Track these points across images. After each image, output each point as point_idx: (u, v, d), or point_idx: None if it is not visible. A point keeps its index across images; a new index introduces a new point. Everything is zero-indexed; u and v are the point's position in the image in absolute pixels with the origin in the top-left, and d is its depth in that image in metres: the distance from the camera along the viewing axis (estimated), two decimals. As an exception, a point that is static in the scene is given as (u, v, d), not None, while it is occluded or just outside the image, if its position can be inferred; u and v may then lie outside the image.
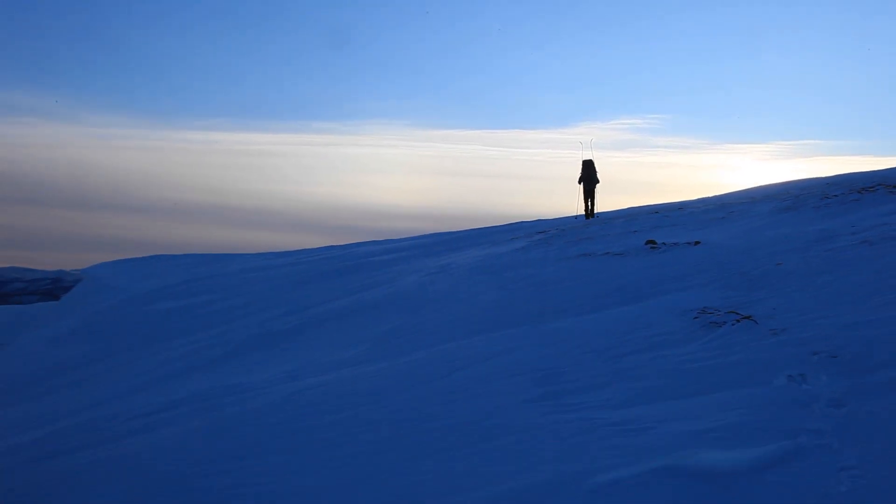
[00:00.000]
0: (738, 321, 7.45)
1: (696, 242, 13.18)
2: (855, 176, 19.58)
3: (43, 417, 10.78)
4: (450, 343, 9.16)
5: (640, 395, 5.79)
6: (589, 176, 21.98)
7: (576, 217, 23.26)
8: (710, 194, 24.94)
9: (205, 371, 11.58)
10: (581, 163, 22.00)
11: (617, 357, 6.96)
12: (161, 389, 10.74)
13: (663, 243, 13.64)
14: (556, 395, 6.13)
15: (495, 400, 6.28)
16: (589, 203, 22.37)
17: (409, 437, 5.70)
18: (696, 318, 7.88)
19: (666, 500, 3.94)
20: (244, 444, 6.41)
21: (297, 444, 6.07)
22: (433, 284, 14.36)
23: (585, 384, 6.31)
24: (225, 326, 15.39)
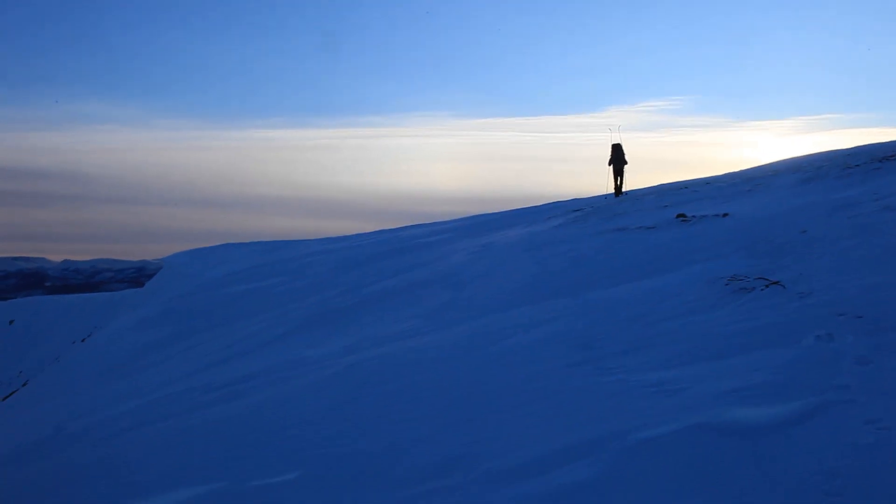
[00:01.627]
0: (766, 286, 7.34)
1: (724, 214, 13.00)
2: (875, 146, 19.02)
3: (136, 391, 11.08)
4: (495, 315, 9.17)
5: (674, 358, 5.75)
6: (618, 158, 21.90)
7: (605, 196, 23.12)
8: (735, 169, 24.47)
9: (273, 346, 11.72)
10: (611, 146, 21.91)
11: (652, 323, 6.92)
12: (236, 364, 10.94)
13: (693, 216, 13.48)
14: (595, 360, 6.12)
15: (540, 365, 6.29)
16: (618, 182, 22.34)
17: (464, 401, 5.75)
18: (726, 284, 7.78)
19: (700, 456, 3.91)
20: (313, 410, 6.53)
21: (362, 408, 6.17)
22: (477, 262, 14.36)
23: (623, 349, 6.29)
24: (290, 306, 15.54)
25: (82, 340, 24.06)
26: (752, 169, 23.28)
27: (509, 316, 8.80)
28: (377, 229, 32.17)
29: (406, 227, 30.27)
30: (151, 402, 9.57)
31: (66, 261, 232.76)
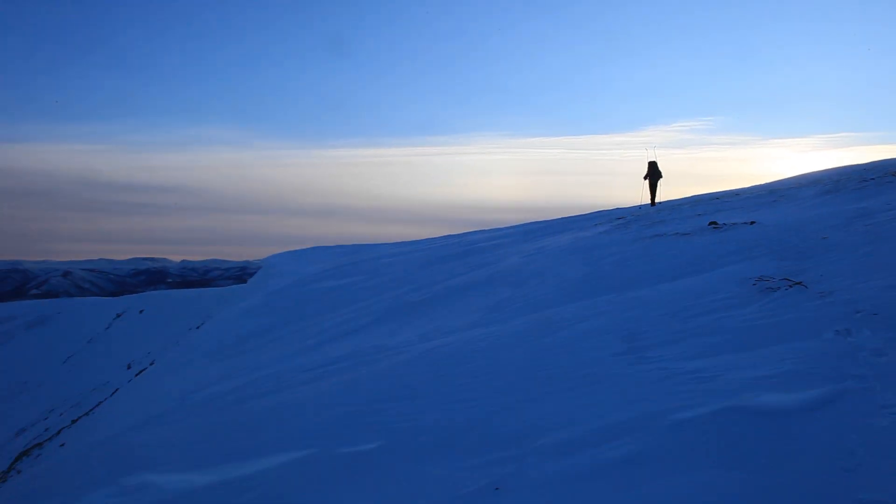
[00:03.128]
0: (790, 286, 7.20)
1: (752, 222, 12.72)
2: (889, 162, 18.42)
3: (240, 371, 11.32)
4: (549, 309, 9.16)
5: (708, 349, 5.70)
6: (653, 173, 22.09)
7: (639, 206, 23.04)
8: (761, 182, 23.88)
9: (358, 335, 11.83)
10: (647, 163, 22.08)
11: (688, 318, 6.84)
12: (326, 349, 11.08)
13: (724, 224, 13.22)
14: (638, 350, 6.09)
15: (589, 354, 6.29)
16: (652, 194, 22.43)
17: (522, 384, 5.78)
18: (754, 284, 7.64)
19: (732, 434, 3.90)
20: (392, 389, 6.61)
21: (436, 388, 6.23)
22: (533, 263, 14.32)
23: (663, 341, 6.25)
24: (371, 300, 15.65)
25: (197, 327, 24.58)
26: (776, 182, 22.69)
27: (562, 310, 8.78)
28: (444, 234, 32.27)
29: (469, 233, 30.27)
30: (256, 379, 9.78)
31: (184, 261, 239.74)
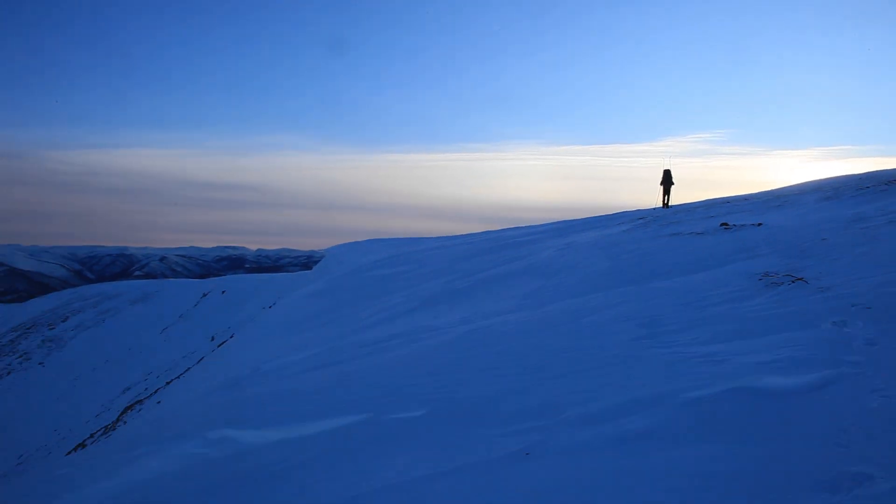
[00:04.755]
0: (793, 282, 7.02)
1: (759, 224, 12.42)
2: (883, 172, 17.80)
3: (308, 344, 11.45)
4: (575, 298, 9.09)
5: (719, 336, 5.60)
6: (667, 180, 22.42)
7: (654, 208, 23.14)
8: (767, 189, 23.28)
9: (407, 317, 11.85)
10: (662, 171, 22.54)
11: (701, 308, 6.73)
12: (378, 329, 11.12)
13: (734, 225, 12.94)
14: (655, 336, 6.01)
15: (611, 338, 6.23)
16: (666, 198, 22.68)
17: (551, 362, 5.75)
18: (760, 279, 7.47)
19: (738, 412, 3.85)
20: (437, 364, 6.63)
21: (472, 366, 6.22)
22: (562, 257, 14.20)
23: (677, 328, 6.15)
24: (419, 287, 15.68)
25: (270, 307, 24.95)
26: (781, 189, 22.07)
27: (587, 299, 8.71)
28: (483, 230, 32.17)
29: (506, 230, 30.07)
30: (319, 352, 9.89)
31: (259, 249, 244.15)
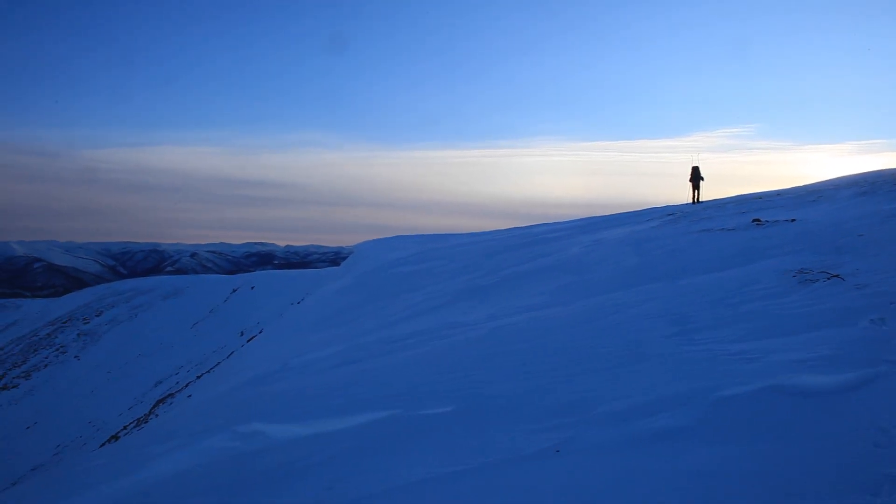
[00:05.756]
0: (828, 278, 6.84)
1: (793, 220, 12.13)
2: (924, 166, 17.22)
3: (336, 340, 11.52)
4: (604, 295, 8.98)
5: (752, 334, 5.48)
6: (695, 176, 22.64)
7: (683, 204, 22.95)
8: (799, 184, 22.78)
9: (433, 313, 11.84)
10: (691, 168, 22.79)
11: (733, 305, 6.60)
12: (407, 324, 11.14)
13: (766, 221, 12.66)
14: (686, 333, 5.91)
15: (641, 335, 6.14)
16: (696, 194, 22.82)
17: (581, 359, 5.69)
18: (794, 276, 7.30)
19: (773, 411, 3.76)
20: (465, 360, 6.59)
21: (500, 362, 6.19)
22: (591, 253, 14.06)
23: (709, 325, 6.05)
24: (446, 283, 15.64)
25: (298, 302, 25.17)
26: (815, 184, 21.55)
27: (617, 295, 8.61)
28: (511, 226, 31.96)
29: (534, 226, 29.85)
30: (348, 348, 9.93)
31: (288, 245, 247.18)
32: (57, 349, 31.00)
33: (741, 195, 23.36)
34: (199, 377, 20.13)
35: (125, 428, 17.51)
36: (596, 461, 3.57)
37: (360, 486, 3.85)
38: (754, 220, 12.99)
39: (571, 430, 4.06)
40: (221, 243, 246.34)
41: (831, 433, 3.38)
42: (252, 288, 33.76)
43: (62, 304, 39.55)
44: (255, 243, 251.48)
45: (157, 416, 16.37)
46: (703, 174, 22.63)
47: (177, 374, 23.59)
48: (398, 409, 5.26)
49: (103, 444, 15.86)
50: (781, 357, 4.67)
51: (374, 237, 34.78)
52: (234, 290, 34.42)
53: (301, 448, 4.81)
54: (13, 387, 27.24)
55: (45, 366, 29.31)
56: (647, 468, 3.36)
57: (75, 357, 29.72)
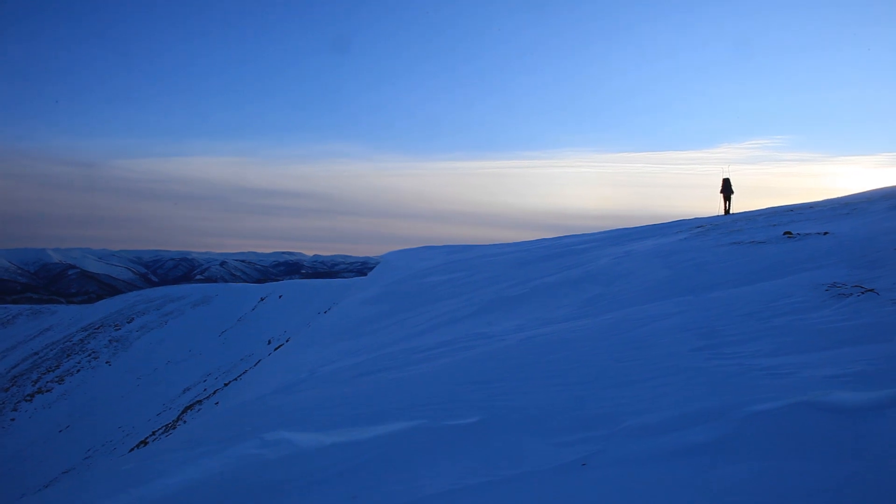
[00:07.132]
0: (862, 293, 6.70)
1: (825, 233, 11.91)
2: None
3: (363, 349, 11.60)
4: (633, 307, 8.92)
5: (783, 348, 5.39)
6: (727, 188, 23.01)
7: (713, 217, 22.61)
8: (831, 196, 22.33)
9: (460, 323, 11.84)
10: (722, 179, 23.19)
11: (764, 319, 6.50)
12: (434, 334, 11.17)
13: (798, 234, 12.45)
14: (716, 347, 5.84)
15: (669, 348, 6.08)
16: (727, 206, 23.14)
17: (609, 372, 5.66)
18: (827, 290, 7.16)
19: (804, 428, 3.68)
20: (492, 372, 6.59)
21: (529, 373, 6.18)
22: (620, 265, 13.96)
23: (739, 339, 5.96)
24: (473, 294, 15.64)
25: (325, 311, 25.39)
26: (847, 196, 21.09)
27: (645, 308, 8.53)
28: (539, 238, 31.84)
29: (562, 237, 29.68)
30: (374, 357, 10.00)
31: (315, 255, 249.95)
32: (89, 354, 31.70)
33: (772, 207, 23.00)
34: (226, 385, 20.40)
35: (154, 434, 17.80)
36: (624, 475, 3.55)
37: (385, 497, 3.87)
38: (785, 233, 12.79)
39: (599, 444, 4.03)
40: (250, 252, 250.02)
41: (867, 451, 3.31)
42: (280, 297, 34.13)
43: (95, 311, 40.46)
44: (284, 253, 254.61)
45: (184, 422, 16.62)
46: (733, 186, 22.78)
47: (205, 381, 23.93)
48: (424, 419, 5.27)
49: (132, 449, 16.14)
50: (814, 372, 4.59)
51: (402, 247, 35.01)
52: (262, 299, 34.83)
53: (327, 457, 4.85)
54: (47, 391, 27.92)
55: (78, 370, 29.99)
56: (675, 483, 3.33)
57: (107, 363, 30.36)
